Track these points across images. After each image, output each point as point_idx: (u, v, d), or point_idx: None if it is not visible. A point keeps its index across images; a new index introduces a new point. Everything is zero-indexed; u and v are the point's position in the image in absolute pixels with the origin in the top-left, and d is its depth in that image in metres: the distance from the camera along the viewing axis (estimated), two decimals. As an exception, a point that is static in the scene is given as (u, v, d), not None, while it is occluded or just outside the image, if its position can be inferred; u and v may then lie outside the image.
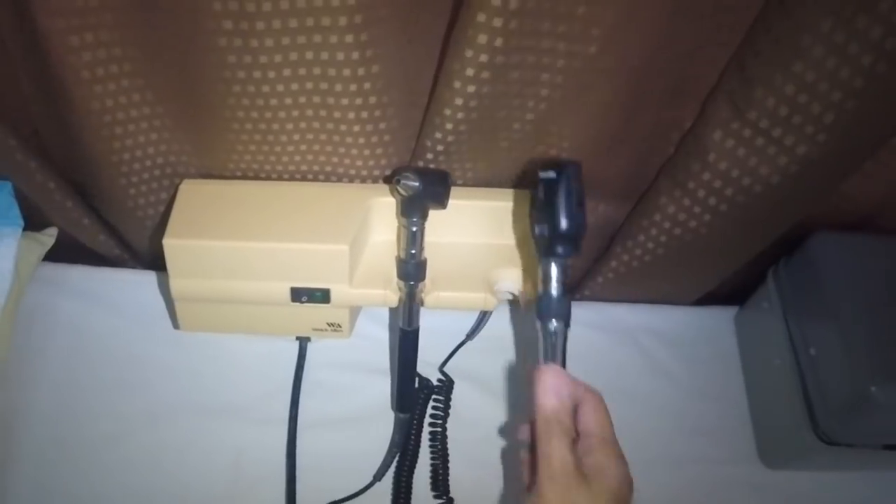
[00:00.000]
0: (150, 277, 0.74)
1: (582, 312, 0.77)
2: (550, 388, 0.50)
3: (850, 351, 0.63)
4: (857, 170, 0.62)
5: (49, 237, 0.70)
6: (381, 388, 0.70)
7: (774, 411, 0.72)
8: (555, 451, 0.48)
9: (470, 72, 0.53)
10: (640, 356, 0.76)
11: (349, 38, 0.52)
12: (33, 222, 0.69)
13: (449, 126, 0.59)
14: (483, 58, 0.52)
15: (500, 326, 0.74)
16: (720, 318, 0.79)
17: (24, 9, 0.49)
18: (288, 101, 0.57)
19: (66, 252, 0.72)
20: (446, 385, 0.70)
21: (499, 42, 0.51)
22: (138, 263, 0.76)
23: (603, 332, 0.76)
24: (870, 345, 0.62)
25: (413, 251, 0.62)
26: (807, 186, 0.60)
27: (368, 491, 0.66)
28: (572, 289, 0.80)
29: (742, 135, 0.57)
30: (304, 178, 0.66)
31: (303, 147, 0.62)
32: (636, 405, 0.73)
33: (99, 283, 0.73)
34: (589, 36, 0.51)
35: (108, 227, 0.71)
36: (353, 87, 0.56)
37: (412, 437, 0.67)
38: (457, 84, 0.54)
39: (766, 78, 0.54)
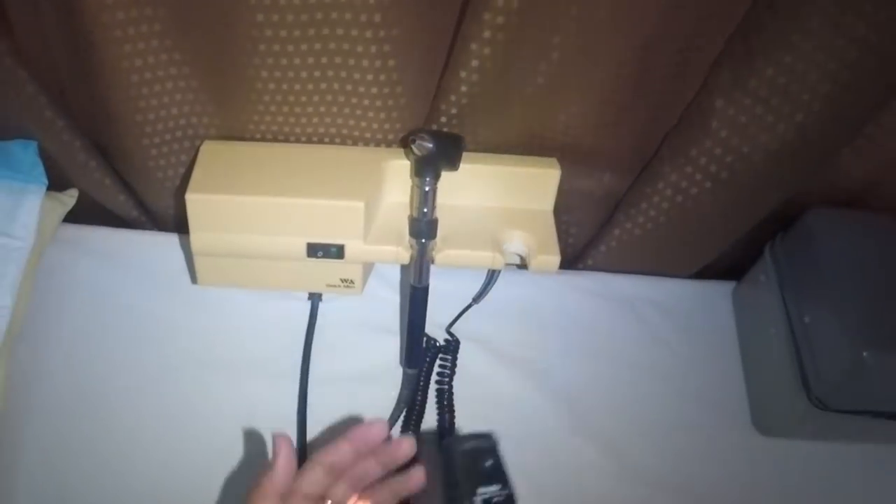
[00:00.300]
0: (166, 239, 0.77)
1: (584, 281, 0.81)
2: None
3: (842, 318, 0.66)
4: (850, 142, 0.66)
5: (70, 198, 0.74)
6: (389, 346, 0.73)
7: (769, 379, 0.75)
8: None
9: (487, 34, 0.57)
10: (639, 325, 0.79)
11: (365, 16, 0.56)
12: (55, 184, 0.72)
13: (463, 89, 0.62)
14: (500, 20, 0.56)
15: (507, 291, 0.77)
16: (718, 292, 0.83)
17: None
18: (310, 60, 0.61)
19: (85, 214, 0.75)
20: (453, 344, 0.73)
21: (515, 4, 0.55)
22: (155, 226, 0.80)
23: (604, 301, 0.80)
24: (862, 313, 0.66)
25: (425, 210, 0.65)
26: (802, 155, 0.64)
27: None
28: (574, 258, 0.83)
29: (743, 103, 0.61)
30: (321, 141, 0.70)
31: (322, 109, 0.66)
32: (634, 372, 0.76)
33: (117, 244, 0.76)
34: (598, 2, 0.55)
35: (128, 188, 0.75)
36: (373, 49, 0.60)
37: (419, 392, 0.70)
38: (473, 46, 0.58)
39: (767, 48, 0.58)
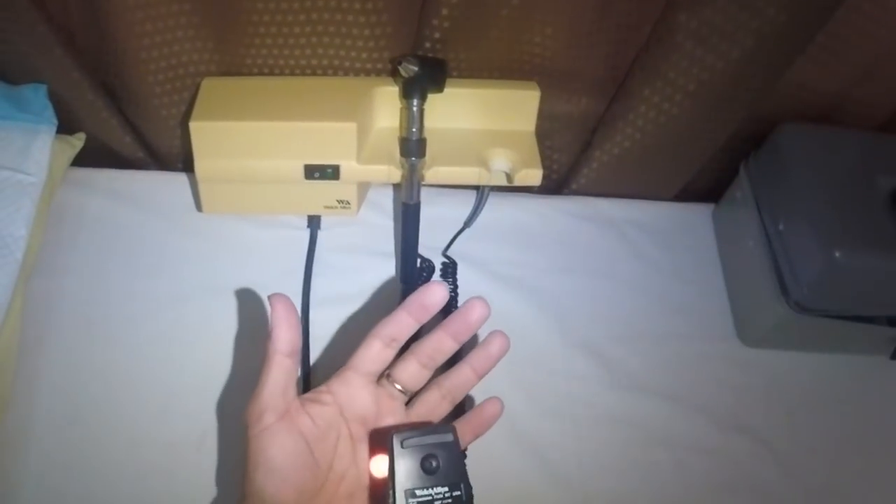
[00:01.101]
0: (171, 177, 0.84)
1: (570, 205, 0.88)
2: None
3: (814, 224, 0.73)
4: (806, 48, 0.72)
5: (79, 140, 0.81)
6: (387, 268, 0.80)
7: (750, 289, 0.82)
8: None
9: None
10: (623, 244, 0.86)
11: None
12: (64, 128, 0.79)
13: (444, 12, 0.70)
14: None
15: (496, 216, 0.84)
16: (699, 213, 0.91)
17: None
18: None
19: (93, 157, 0.83)
20: (451, 265, 0.80)
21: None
22: (160, 165, 0.87)
23: (589, 223, 0.87)
24: (833, 216, 0.72)
25: (414, 129, 0.72)
26: (764, 62, 0.71)
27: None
28: (560, 183, 0.90)
29: (704, 15, 0.68)
30: (315, 73, 0.77)
31: (314, 40, 0.73)
32: (620, 287, 0.83)
33: (124, 184, 0.83)
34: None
35: (134, 128, 0.82)
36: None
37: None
38: (450, -29, 0.66)
39: None
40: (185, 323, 0.75)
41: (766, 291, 0.77)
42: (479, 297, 0.53)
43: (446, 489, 0.47)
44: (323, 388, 0.54)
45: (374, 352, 0.53)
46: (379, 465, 0.52)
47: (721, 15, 0.68)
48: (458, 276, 0.80)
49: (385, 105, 0.76)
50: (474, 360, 0.56)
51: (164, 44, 0.73)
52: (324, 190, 0.76)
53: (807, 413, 0.78)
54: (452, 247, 0.82)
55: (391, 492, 0.47)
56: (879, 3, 0.71)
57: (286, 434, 0.50)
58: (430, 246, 0.81)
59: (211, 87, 0.75)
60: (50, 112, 0.78)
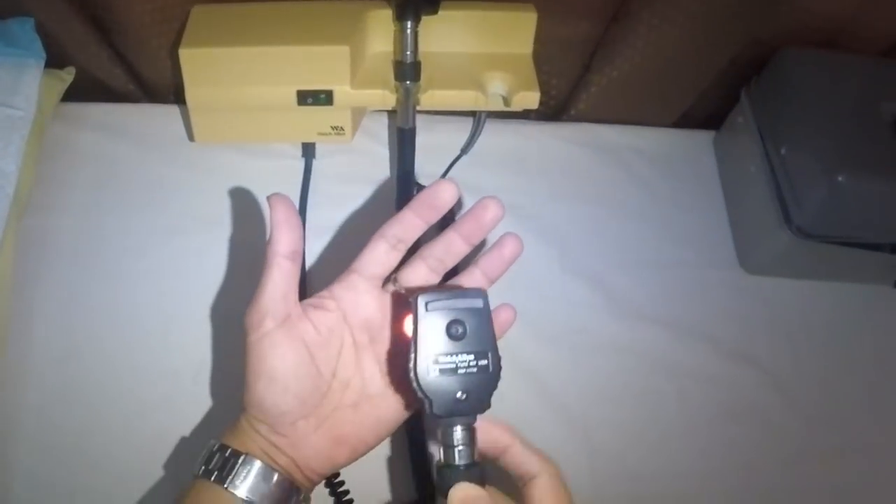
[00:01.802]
0: (163, 109, 0.85)
1: (568, 131, 0.89)
2: None
3: (817, 148, 0.74)
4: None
5: (68, 74, 0.82)
6: (382, 195, 0.82)
7: (752, 216, 0.83)
8: None
9: None
10: (623, 171, 0.88)
11: None
12: (54, 62, 0.80)
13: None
14: None
15: (494, 143, 0.85)
16: (700, 140, 0.92)
17: None
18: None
19: (83, 92, 0.84)
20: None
21: None
22: (150, 98, 0.89)
23: (588, 149, 0.88)
24: (835, 141, 0.74)
25: (408, 52, 0.73)
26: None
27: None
28: (558, 109, 0.91)
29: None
30: (306, -1, 0.78)
31: (305, -37, 0.74)
32: (620, 215, 0.84)
33: (115, 117, 0.84)
34: None
35: (124, 60, 0.83)
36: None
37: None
38: None
39: None
40: (181, 254, 0.77)
41: (768, 218, 0.78)
42: (493, 197, 0.51)
43: (472, 357, 0.45)
44: (325, 292, 0.53)
45: (380, 254, 0.52)
46: (408, 326, 0.49)
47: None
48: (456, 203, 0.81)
49: (379, 28, 0.76)
50: (485, 262, 0.54)
51: (151, -28, 0.74)
52: (317, 116, 0.78)
53: (809, 341, 0.80)
54: (450, 174, 0.83)
55: (413, 356, 0.45)
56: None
57: (287, 341, 0.49)
58: (427, 174, 0.82)
59: (201, 15, 0.76)
60: (38, 46, 0.78)
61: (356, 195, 0.82)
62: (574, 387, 0.74)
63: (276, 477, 0.49)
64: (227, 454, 0.49)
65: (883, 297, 0.84)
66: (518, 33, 0.78)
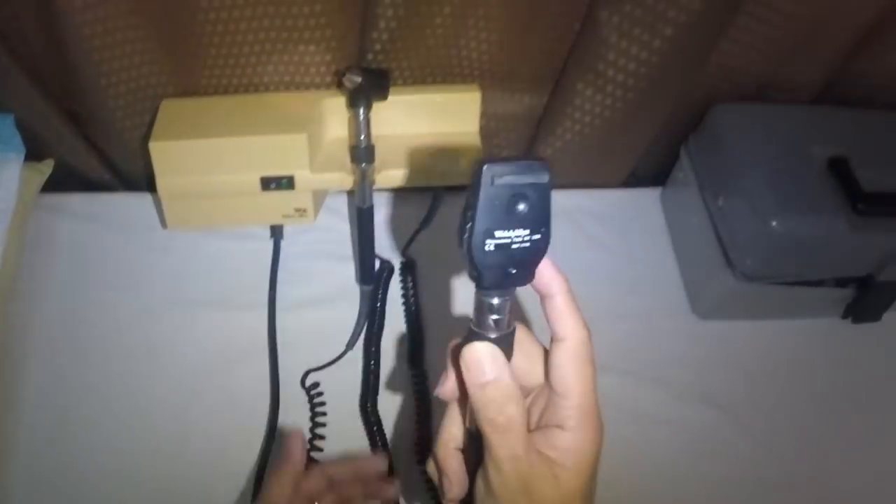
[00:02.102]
0: (136, 198, 0.92)
1: (521, 198, 0.94)
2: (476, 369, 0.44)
3: (751, 194, 0.79)
4: (723, 32, 0.79)
5: (47, 167, 0.88)
6: (349, 272, 0.88)
7: (698, 263, 0.89)
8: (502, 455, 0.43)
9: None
10: (577, 232, 0.94)
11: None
12: (32, 155, 0.86)
13: (382, 24, 0.77)
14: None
15: (453, 215, 0.90)
16: (647, 197, 0.99)
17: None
18: (248, 12, 0.75)
19: (61, 182, 0.90)
20: (410, 264, 0.87)
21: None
22: (126, 187, 0.95)
23: None
24: (769, 187, 0.79)
25: (362, 136, 0.79)
26: (685, 48, 0.78)
27: (342, 359, 0.82)
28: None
29: (624, 10, 0.75)
30: (267, 90, 0.84)
31: (263, 58, 0.81)
32: (576, 272, 0.85)
33: (93, 206, 0.90)
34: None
35: (99, 152, 0.90)
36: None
37: (378, 306, 0.83)
38: (383, -19, 0.73)
39: None
40: (158, 335, 0.82)
41: (713, 265, 0.84)
42: (396, 482, 0.68)
43: (527, 232, 0.43)
44: None
45: (317, 483, 0.63)
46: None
47: (640, 8, 0.74)
48: (418, 274, 0.87)
49: (334, 115, 0.83)
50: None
51: (122, 69, 0.80)
52: (281, 200, 0.84)
53: (764, 378, 0.85)
54: (412, 246, 0.89)
55: (469, 226, 0.42)
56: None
57: None
58: (391, 247, 0.88)
59: (169, 108, 0.83)
60: (18, 140, 0.85)
61: (323, 271, 0.88)
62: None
63: None
64: None
65: (833, 330, 0.89)
66: (465, 112, 0.85)
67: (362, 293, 0.84)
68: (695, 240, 0.88)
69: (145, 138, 0.83)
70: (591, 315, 0.83)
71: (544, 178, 0.42)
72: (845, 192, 0.78)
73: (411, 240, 0.89)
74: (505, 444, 0.43)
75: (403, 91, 0.83)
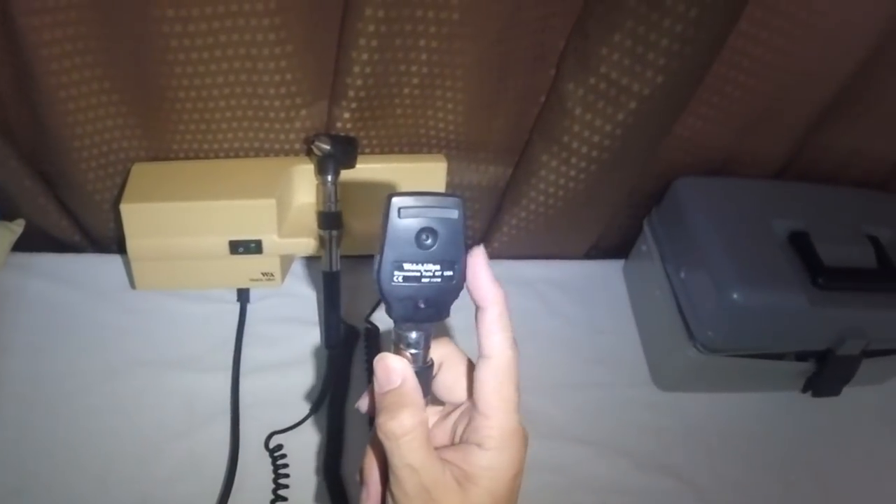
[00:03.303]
0: (106, 259, 0.93)
1: (487, 267, 0.97)
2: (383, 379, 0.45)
3: (712, 267, 0.82)
4: (686, 106, 0.83)
5: (18, 226, 0.90)
6: (314, 336, 0.89)
7: (659, 336, 0.91)
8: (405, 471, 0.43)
9: (362, 41, 0.75)
10: (539, 303, 0.96)
11: (266, 22, 0.73)
12: (3, 214, 0.89)
13: (351, 94, 0.80)
14: (371, 28, 0.74)
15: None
16: (610, 269, 1.01)
17: (5, 9, 0.69)
18: (220, 79, 0.78)
19: (31, 242, 0.92)
20: (374, 331, 0.88)
21: (381, 14, 0.73)
22: (95, 248, 0.96)
23: (507, 284, 0.89)
24: (730, 260, 0.81)
25: (330, 203, 0.82)
26: (648, 121, 0.81)
27: (306, 422, 0.83)
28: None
29: (589, 83, 0.78)
30: (237, 155, 0.87)
31: (234, 124, 0.83)
32: (538, 342, 0.92)
33: (62, 266, 0.92)
34: (450, 4, 0.73)
35: (70, 212, 0.91)
36: (271, 65, 0.77)
37: (343, 369, 0.85)
38: (353, 54, 0.76)
39: (607, 37, 0.75)
40: (122, 395, 0.83)
41: (674, 337, 0.86)
42: None
43: (438, 268, 0.43)
44: None
45: None
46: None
47: (604, 81, 0.78)
48: (381, 341, 0.88)
49: (303, 182, 0.86)
50: None
51: (95, 133, 0.82)
52: (249, 263, 0.86)
53: (724, 450, 0.87)
54: (376, 313, 0.91)
55: (379, 258, 0.43)
56: (757, 60, 0.81)
57: None
58: (355, 313, 0.90)
59: (140, 172, 0.85)
60: (-11, 201, 0.87)
61: (288, 335, 0.89)
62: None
63: None
64: None
65: (793, 403, 0.91)
66: (431, 181, 0.87)
67: (329, 357, 0.86)
68: (657, 312, 0.91)
69: (116, 200, 0.85)
70: (552, 384, 0.87)
71: (454, 213, 0.43)
72: (806, 267, 0.81)
73: (376, 306, 0.91)
74: (397, 453, 0.43)
75: (371, 160, 0.86)
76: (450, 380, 0.48)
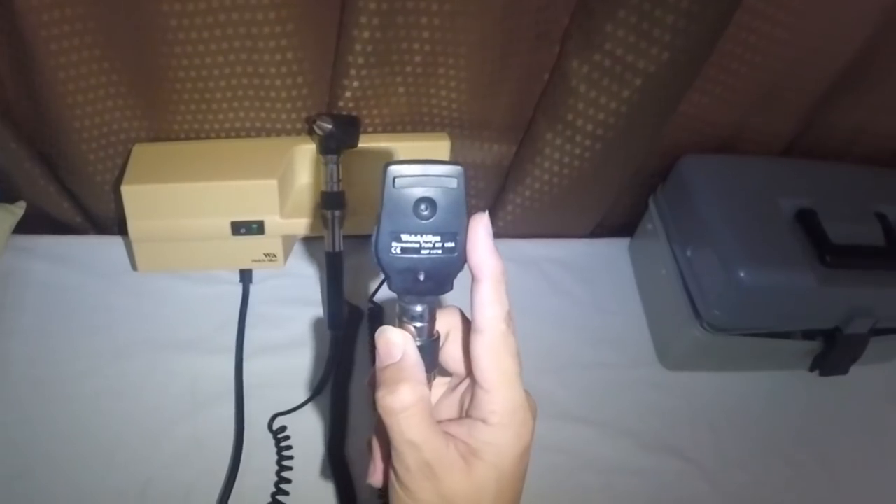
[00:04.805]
0: (107, 241, 0.93)
1: (492, 246, 0.97)
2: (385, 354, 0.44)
3: (719, 245, 0.82)
4: (692, 83, 0.82)
5: (19, 209, 0.90)
6: (317, 317, 0.89)
7: (665, 315, 0.91)
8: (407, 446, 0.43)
9: (363, 19, 0.74)
10: (544, 282, 0.96)
11: (266, 0, 0.73)
12: (5, 197, 0.89)
13: (353, 72, 0.79)
14: (372, 5, 0.73)
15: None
16: (615, 247, 1.01)
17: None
18: (220, 59, 0.78)
19: (33, 224, 0.92)
20: (377, 311, 0.88)
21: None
22: (97, 230, 0.97)
23: (511, 263, 0.93)
24: (736, 238, 0.81)
25: (333, 183, 0.81)
26: (653, 98, 0.81)
27: (310, 403, 0.83)
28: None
29: (594, 60, 0.78)
30: (238, 135, 0.87)
31: (235, 104, 0.83)
32: (543, 322, 0.92)
33: (64, 248, 0.92)
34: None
35: (71, 194, 0.91)
36: (272, 44, 0.77)
37: (347, 350, 0.85)
38: (354, 32, 0.76)
39: (612, 13, 0.75)
40: (126, 377, 0.83)
41: (680, 316, 0.86)
42: None
43: (438, 239, 0.42)
44: None
45: None
46: None
47: (609, 58, 0.77)
48: (385, 321, 0.88)
49: (305, 162, 0.85)
50: None
51: (95, 114, 0.82)
52: (251, 244, 0.86)
53: (730, 429, 0.87)
54: (380, 293, 0.91)
55: (376, 228, 0.42)
56: (764, 36, 0.81)
57: None
58: (358, 294, 0.90)
59: (141, 153, 0.85)
60: (-10, 183, 0.87)
61: (291, 316, 0.89)
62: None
63: None
64: None
65: (799, 382, 0.91)
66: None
67: (332, 338, 0.86)
68: (662, 291, 0.90)
69: (117, 182, 0.85)
70: (557, 364, 0.87)
71: (453, 182, 0.41)
72: (813, 245, 0.81)
73: (380, 286, 0.91)
74: (396, 428, 0.42)
75: (374, 139, 0.86)
76: (456, 351, 0.47)
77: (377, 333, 0.44)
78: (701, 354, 0.88)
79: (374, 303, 0.90)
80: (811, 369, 0.90)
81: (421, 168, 0.41)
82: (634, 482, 0.82)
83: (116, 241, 0.93)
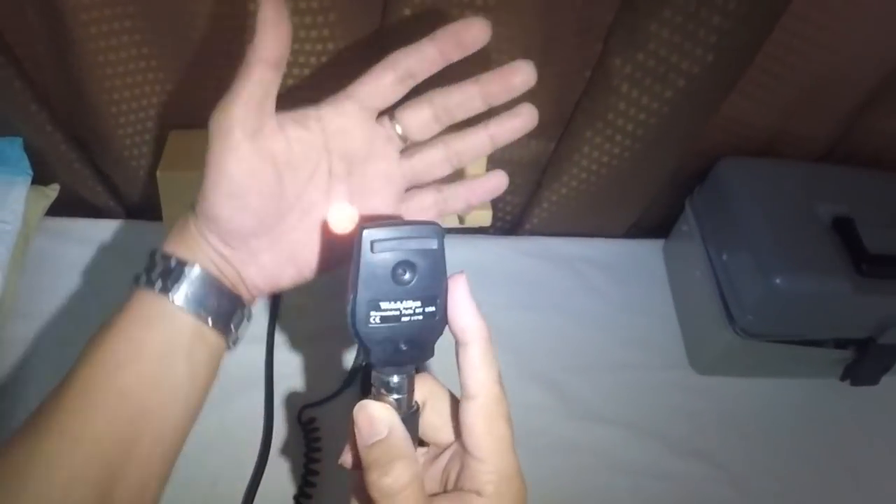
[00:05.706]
0: (140, 226, 0.93)
1: (524, 245, 0.97)
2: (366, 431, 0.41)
3: (755, 250, 0.81)
4: (734, 85, 0.81)
5: (53, 191, 0.90)
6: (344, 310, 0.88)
7: (698, 318, 0.90)
8: None
9: (407, 11, 0.73)
10: (577, 281, 0.95)
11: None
12: (39, 179, 0.88)
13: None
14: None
15: (454, 258, 0.91)
16: (649, 248, 1.00)
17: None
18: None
19: (66, 208, 0.92)
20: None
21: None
22: (128, 214, 0.96)
23: (543, 261, 0.95)
24: (773, 244, 0.81)
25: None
26: (696, 99, 0.79)
27: (340, 395, 0.82)
28: (514, 224, 0.99)
29: (637, 59, 0.77)
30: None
31: (273, 92, 0.82)
32: (575, 321, 0.91)
33: (97, 232, 0.92)
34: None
35: (106, 179, 0.91)
36: (313, 34, 0.76)
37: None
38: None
39: (657, 12, 0.74)
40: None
41: (713, 320, 0.85)
42: (528, 61, 0.48)
43: (419, 304, 0.40)
44: (311, 110, 0.48)
45: (383, 84, 0.47)
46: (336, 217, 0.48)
47: (653, 58, 0.76)
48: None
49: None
50: (495, 124, 0.51)
51: (132, 99, 0.82)
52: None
53: (760, 436, 0.86)
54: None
55: (352, 297, 0.40)
56: (807, 40, 0.79)
57: (255, 158, 0.46)
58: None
59: (177, 139, 0.84)
60: (25, 164, 0.86)
61: (322, 307, 0.88)
62: (534, 487, 0.78)
63: (224, 289, 0.48)
64: (171, 263, 0.48)
65: (830, 391, 0.90)
66: (472, 155, 0.86)
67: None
68: (696, 293, 0.90)
69: (152, 167, 0.85)
70: (587, 364, 0.86)
71: (433, 243, 0.40)
72: (850, 253, 0.80)
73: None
74: None
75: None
76: (436, 420, 0.45)
77: (356, 409, 0.41)
78: (732, 359, 0.87)
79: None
80: (842, 378, 0.90)
81: (398, 230, 0.40)
82: (662, 486, 0.81)
83: (149, 226, 0.93)
